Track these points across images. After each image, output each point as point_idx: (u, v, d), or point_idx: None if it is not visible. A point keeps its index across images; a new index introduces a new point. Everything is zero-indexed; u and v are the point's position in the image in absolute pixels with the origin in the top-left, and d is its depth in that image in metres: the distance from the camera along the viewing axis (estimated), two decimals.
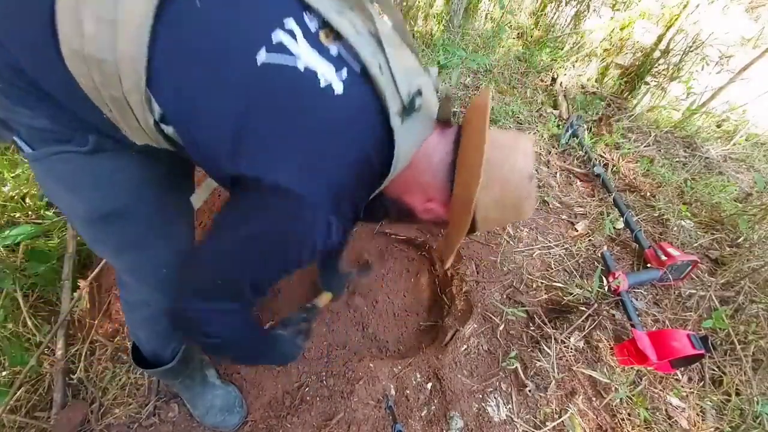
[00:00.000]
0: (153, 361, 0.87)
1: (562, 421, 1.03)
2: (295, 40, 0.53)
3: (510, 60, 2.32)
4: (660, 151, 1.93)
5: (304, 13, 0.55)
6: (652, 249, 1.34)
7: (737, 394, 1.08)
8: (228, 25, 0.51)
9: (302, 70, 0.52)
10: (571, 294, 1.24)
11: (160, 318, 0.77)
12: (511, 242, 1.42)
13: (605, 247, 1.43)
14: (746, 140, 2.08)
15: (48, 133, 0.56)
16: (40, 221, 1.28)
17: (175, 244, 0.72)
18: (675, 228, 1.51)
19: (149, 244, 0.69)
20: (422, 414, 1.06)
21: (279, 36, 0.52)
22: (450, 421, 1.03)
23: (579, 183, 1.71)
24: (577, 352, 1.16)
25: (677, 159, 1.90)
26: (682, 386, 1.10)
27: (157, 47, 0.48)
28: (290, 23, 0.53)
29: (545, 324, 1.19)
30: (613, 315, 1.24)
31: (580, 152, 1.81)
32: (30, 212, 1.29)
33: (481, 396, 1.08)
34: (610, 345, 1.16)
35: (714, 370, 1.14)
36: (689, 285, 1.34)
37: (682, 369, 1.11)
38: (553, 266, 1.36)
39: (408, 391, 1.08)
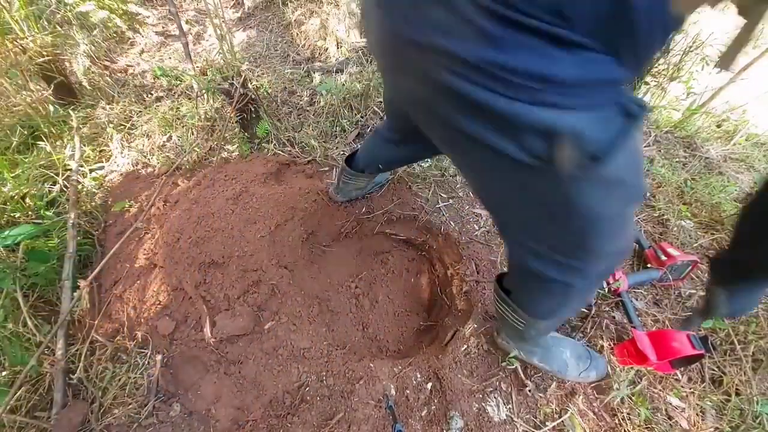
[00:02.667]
0: None
1: (562, 421, 1.03)
2: None
3: None
4: (660, 151, 1.93)
5: None
6: (652, 249, 1.34)
7: (737, 394, 1.08)
8: None
9: None
10: None
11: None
12: None
13: None
14: (746, 140, 2.07)
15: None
16: (40, 221, 1.28)
17: None
18: (675, 228, 1.51)
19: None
20: (422, 414, 1.06)
21: None
22: (450, 420, 1.03)
23: None
24: None
25: (677, 159, 1.90)
26: (682, 386, 1.10)
27: None
28: None
29: None
30: (613, 315, 1.24)
31: None
32: (30, 212, 1.29)
33: (481, 396, 1.08)
34: (610, 345, 1.16)
35: (714, 370, 1.14)
36: (689, 285, 1.34)
37: (682, 369, 1.11)
38: None
39: (408, 391, 1.09)
